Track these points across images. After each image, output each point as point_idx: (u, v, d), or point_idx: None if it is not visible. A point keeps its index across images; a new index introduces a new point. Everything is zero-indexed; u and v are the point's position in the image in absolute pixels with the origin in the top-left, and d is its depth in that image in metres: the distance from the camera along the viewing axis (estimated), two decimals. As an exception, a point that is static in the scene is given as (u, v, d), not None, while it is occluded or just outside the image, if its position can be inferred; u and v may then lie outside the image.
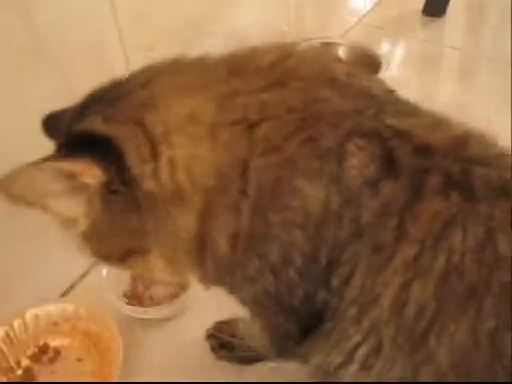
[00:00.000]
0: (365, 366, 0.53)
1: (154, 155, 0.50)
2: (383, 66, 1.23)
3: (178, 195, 0.51)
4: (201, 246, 0.54)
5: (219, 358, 0.82)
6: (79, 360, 0.83)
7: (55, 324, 0.85)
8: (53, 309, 0.85)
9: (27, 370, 0.81)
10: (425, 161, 0.50)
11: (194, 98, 0.52)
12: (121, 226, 0.54)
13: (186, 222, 0.52)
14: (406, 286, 0.49)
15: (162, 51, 0.96)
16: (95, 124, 0.51)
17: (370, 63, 1.27)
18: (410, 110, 0.56)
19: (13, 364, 0.81)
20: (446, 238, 0.48)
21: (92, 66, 0.88)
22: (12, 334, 0.82)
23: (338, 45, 1.33)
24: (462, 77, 1.50)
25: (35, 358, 0.83)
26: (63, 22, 0.83)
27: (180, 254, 0.55)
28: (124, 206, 0.52)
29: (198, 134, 0.51)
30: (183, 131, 0.51)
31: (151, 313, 0.85)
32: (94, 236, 0.55)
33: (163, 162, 0.50)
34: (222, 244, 0.53)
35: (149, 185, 0.51)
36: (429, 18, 1.66)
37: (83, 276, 0.94)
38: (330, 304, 0.53)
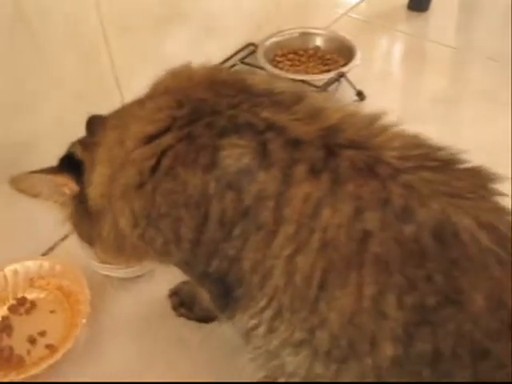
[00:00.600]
0: (271, 329, 0.60)
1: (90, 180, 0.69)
2: (357, 56, 1.29)
3: (100, 210, 0.69)
4: (120, 241, 0.69)
5: (179, 315, 0.89)
6: (52, 312, 0.91)
7: (32, 279, 0.93)
8: (31, 265, 0.93)
9: (4, 319, 0.89)
10: (294, 153, 0.57)
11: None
12: (83, 223, 0.73)
13: (107, 225, 0.68)
14: (291, 259, 0.56)
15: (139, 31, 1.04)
16: (77, 149, 0.72)
17: (344, 51, 1.34)
18: (289, 101, 0.62)
19: (-8, 313, 0.89)
20: (318, 216, 0.55)
21: (69, 41, 0.96)
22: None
23: (316, 35, 1.40)
24: (446, 71, 1.55)
25: (13, 309, 0.91)
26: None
27: (112, 248, 0.72)
28: (84, 212, 0.71)
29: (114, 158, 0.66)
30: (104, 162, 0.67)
31: (121, 271, 0.93)
32: (72, 224, 0.75)
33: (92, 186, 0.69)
34: (127, 229, 0.66)
35: (90, 201, 0.69)
36: (414, 13, 1.71)
37: (63, 239, 1.02)
38: (235, 272, 0.61)
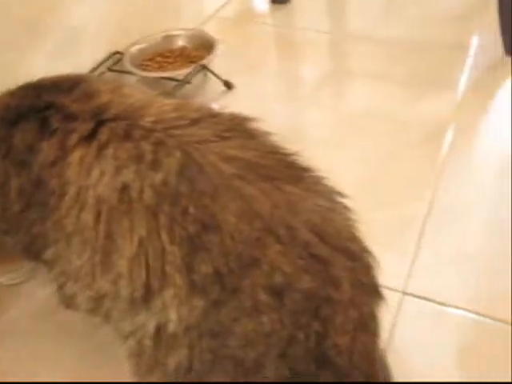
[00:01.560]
0: (77, 279, 0.69)
1: None
2: (216, 49, 1.38)
3: None
4: None
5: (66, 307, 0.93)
6: None
7: None
8: None
9: None
10: (69, 125, 0.69)
11: None
12: None
13: None
14: (77, 218, 0.66)
15: None
16: None
17: (208, 45, 1.42)
18: (69, 86, 0.74)
19: None
20: (90, 176, 0.65)
21: None
22: None
23: (179, 36, 1.48)
24: (321, 55, 1.65)
25: None
26: None
27: None
28: None
29: None
30: None
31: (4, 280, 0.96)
32: None
33: None
34: None
35: None
36: (276, 6, 1.82)
37: None
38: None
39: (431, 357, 0.83)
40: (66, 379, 0.83)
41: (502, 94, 1.36)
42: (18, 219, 0.72)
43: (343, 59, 1.63)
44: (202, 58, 1.43)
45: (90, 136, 0.68)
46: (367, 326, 0.67)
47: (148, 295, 0.63)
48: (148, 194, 0.62)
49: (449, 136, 1.23)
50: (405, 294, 0.92)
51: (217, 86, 1.41)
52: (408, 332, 0.86)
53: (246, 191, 0.62)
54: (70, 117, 0.70)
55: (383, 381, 0.70)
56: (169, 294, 0.61)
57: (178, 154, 0.64)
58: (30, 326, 0.94)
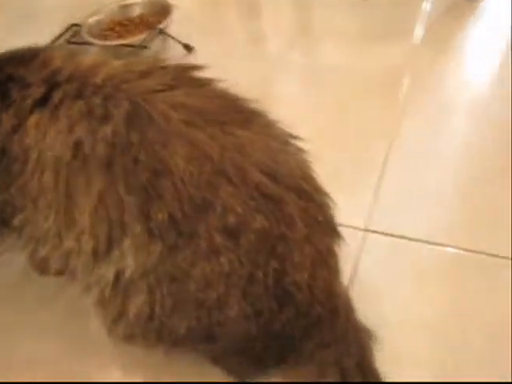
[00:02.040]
0: (46, 242, 0.71)
1: None
2: (172, 13, 1.39)
3: None
4: None
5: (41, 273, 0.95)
6: None
7: None
8: None
9: None
10: (24, 92, 0.70)
11: None
12: None
13: None
14: (39, 182, 0.68)
15: None
16: None
17: (165, 11, 1.43)
18: (28, 58, 0.75)
19: None
20: (45, 138, 0.67)
21: None
22: None
23: (135, 4, 1.49)
24: (274, 13, 1.66)
25: None
26: None
27: None
28: None
29: None
30: None
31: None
32: None
33: None
34: None
35: None
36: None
37: None
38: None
39: (394, 287, 0.87)
40: (43, 348, 0.86)
41: (460, 37, 1.38)
42: None
43: (302, 15, 1.64)
44: (160, 23, 1.44)
45: (44, 100, 0.69)
46: (325, 262, 0.70)
47: (109, 247, 0.66)
48: (100, 148, 0.64)
49: (407, 81, 1.26)
50: (367, 231, 0.95)
51: (177, 49, 1.42)
52: (371, 266, 0.90)
53: (194, 136, 0.64)
54: (26, 85, 0.71)
55: (344, 313, 0.74)
56: (127, 242, 0.64)
57: (126, 104, 0.66)
58: (7, 295, 0.96)
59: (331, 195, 0.75)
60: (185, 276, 0.63)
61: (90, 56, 0.80)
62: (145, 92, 0.68)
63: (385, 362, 0.75)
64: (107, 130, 0.64)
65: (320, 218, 0.69)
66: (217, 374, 0.77)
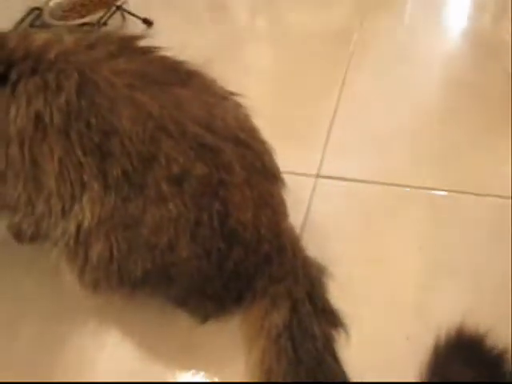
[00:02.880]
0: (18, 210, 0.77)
1: None
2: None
3: None
4: None
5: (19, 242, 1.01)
6: None
7: None
8: None
9: None
10: None
11: None
12: None
13: None
14: (6, 155, 0.74)
15: None
16: None
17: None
18: None
19: None
20: (9, 113, 0.72)
21: None
22: None
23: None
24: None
25: None
26: None
27: None
28: None
29: None
30: None
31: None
32: None
33: None
34: None
35: None
36: None
37: None
38: None
39: (344, 226, 0.94)
40: (24, 309, 0.92)
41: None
42: None
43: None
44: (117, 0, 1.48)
45: (3, 79, 0.74)
46: (267, 203, 0.77)
47: (72, 204, 0.72)
48: (57, 117, 0.71)
49: (354, 39, 1.32)
50: (318, 177, 1.01)
51: (137, 25, 1.47)
52: (323, 209, 0.96)
53: (136, 98, 0.71)
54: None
55: (291, 249, 0.81)
56: (85, 198, 0.71)
57: (75, 75, 0.72)
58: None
59: (283, 146, 0.82)
60: (137, 222, 0.70)
61: (42, 34, 0.85)
62: (91, 62, 0.74)
63: (338, 297, 0.82)
64: (61, 100, 0.71)
65: (258, 164, 0.76)
66: (183, 317, 0.84)
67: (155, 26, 1.48)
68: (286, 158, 0.87)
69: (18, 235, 0.95)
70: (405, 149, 1.03)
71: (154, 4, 1.56)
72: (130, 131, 0.70)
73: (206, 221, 0.71)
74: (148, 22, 1.46)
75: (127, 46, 0.80)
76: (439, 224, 0.91)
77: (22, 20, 1.42)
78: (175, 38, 1.34)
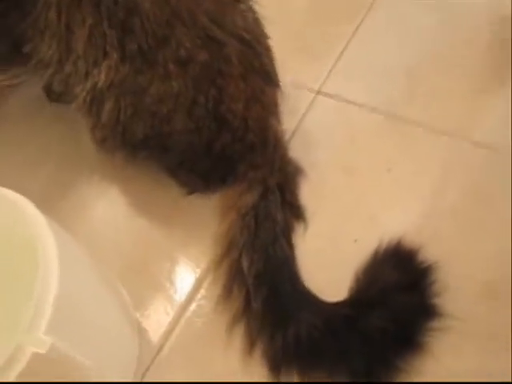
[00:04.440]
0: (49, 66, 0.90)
1: None
2: None
3: None
4: None
5: (52, 101, 1.17)
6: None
7: None
8: None
9: None
10: None
11: None
12: None
13: None
14: (46, 18, 0.86)
15: None
16: None
17: None
18: None
19: None
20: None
21: None
22: None
23: None
24: None
25: None
26: None
27: None
28: None
29: None
30: None
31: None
32: None
33: None
34: None
35: None
36: None
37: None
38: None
39: (330, 140, 1.05)
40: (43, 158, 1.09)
41: None
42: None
43: None
44: None
45: None
46: (259, 99, 0.89)
47: (93, 67, 0.85)
48: None
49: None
50: (318, 93, 1.12)
51: None
52: (315, 122, 1.06)
53: None
54: None
55: (273, 144, 0.93)
56: (105, 64, 0.84)
57: None
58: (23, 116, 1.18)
59: (291, 58, 0.95)
60: (143, 91, 0.83)
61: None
62: None
63: (307, 196, 0.95)
64: None
65: (256, 64, 0.87)
66: (173, 187, 0.98)
67: None
68: (290, 69, 0.97)
69: (50, 93, 1.09)
70: (405, 84, 1.12)
71: None
72: (150, 13, 0.81)
73: (201, 102, 0.84)
74: None
75: None
76: (412, 155, 1.01)
77: None
78: None
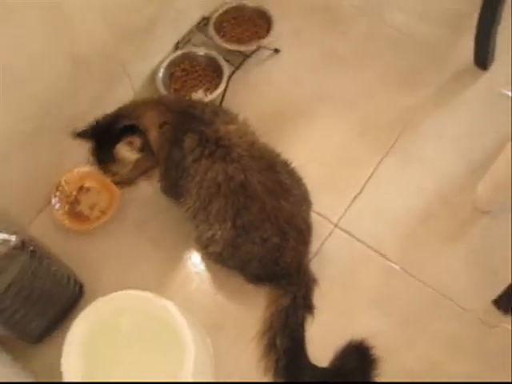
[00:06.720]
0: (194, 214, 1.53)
1: None
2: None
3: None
4: None
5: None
6: (99, 192, 1.79)
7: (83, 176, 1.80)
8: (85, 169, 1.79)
9: (75, 196, 1.78)
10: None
11: None
12: None
13: None
14: (198, 192, 1.48)
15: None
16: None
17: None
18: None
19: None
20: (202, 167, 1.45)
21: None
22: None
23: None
24: None
25: (79, 191, 1.79)
26: None
27: None
28: None
29: None
30: None
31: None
32: None
33: None
34: None
35: None
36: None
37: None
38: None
39: (339, 266, 1.67)
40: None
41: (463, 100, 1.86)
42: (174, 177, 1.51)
43: None
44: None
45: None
46: (304, 253, 1.53)
47: (213, 224, 1.49)
48: (226, 188, 1.44)
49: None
50: (336, 226, 1.69)
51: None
52: (331, 249, 1.65)
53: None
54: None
55: (304, 271, 1.59)
56: (221, 228, 1.47)
57: (241, 176, 1.45)
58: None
59: (323, 190, 1.61)
60: (239, 247, 1.49)
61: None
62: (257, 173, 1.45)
63: (317, 300, 1.60)
64: (233, 183, 1.41)
65: (307, 241, 1.56)
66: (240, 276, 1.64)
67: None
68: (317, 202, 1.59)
69: (166, 192, 1.66)
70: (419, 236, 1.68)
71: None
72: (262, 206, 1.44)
73: (268, 259, 1.48)
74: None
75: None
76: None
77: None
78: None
